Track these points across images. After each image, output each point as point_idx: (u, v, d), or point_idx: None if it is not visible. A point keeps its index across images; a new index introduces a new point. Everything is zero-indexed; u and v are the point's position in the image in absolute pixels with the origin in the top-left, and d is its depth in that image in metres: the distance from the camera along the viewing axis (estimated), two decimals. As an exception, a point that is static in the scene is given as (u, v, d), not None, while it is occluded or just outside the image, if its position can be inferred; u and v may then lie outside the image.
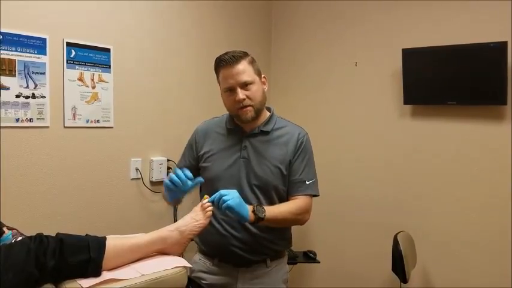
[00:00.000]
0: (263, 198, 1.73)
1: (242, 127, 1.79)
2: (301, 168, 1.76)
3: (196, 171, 1.86)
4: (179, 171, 1.62)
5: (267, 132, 1.78)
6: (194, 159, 1.87)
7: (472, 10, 2.40)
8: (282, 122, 1.84)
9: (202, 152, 1.83)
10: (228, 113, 1.83)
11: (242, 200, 1.57)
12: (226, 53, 1.72)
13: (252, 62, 1.74)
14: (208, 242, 1.81)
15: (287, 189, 1.77)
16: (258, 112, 1.74)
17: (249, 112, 1.71)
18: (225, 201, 1.51)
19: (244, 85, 1.69)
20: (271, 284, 1.79)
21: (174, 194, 1.69)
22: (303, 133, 1.81)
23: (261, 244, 1.74)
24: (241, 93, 1.68)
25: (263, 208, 1.61)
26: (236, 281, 1.77)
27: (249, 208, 1.57)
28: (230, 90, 1.71)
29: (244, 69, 1.69)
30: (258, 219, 1.57)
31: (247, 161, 1.75)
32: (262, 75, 1.79)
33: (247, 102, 1.70)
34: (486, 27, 2.34)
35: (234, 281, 1.78)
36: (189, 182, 1.61)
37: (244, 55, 1.72)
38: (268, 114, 1.83)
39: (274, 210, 1.65)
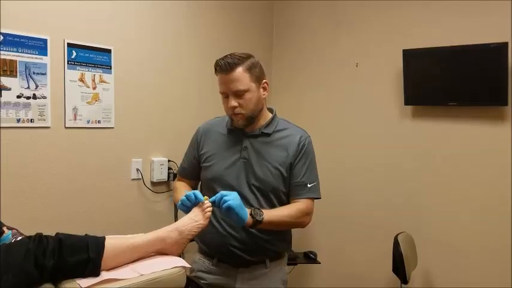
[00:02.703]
0: (262, 199, 1.73)
1: (243, 128, 1.79)
2: (303, 171, 1.75)
3: (198, 170, 1.87)
4: (190, 194, 1.56)
5: (268, 134, 1.77)
6: (195, 159, 1.88)
7: (473, 11, 2.39)
8: (284, 124, 1.83)
9: (203, 152, 1.84)
10: None
11: (242, 202, 1.56)
12: (224, 57, 1.67)
13: (251, 68, 1.67)
14: (207, 241, 1.81)
15: (288, 192, 1.76)
16: (249, 120, 1.72)
17: (240, 120, 1.71)
18: (225, 201, 1.51)
19: (237, 93, 1.67)
20: (270, 285, 1.79)
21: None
22: (305, 136, 1.80)
23: (260, 245, 1.74)
24: (233, 101, 1.67)
25: (261, 211, 1.60)
26: (235, 281, 1.77)
27: (247, 211, 1.57)
28: (224, 95, 1.71)
29: (238, 78, 1.65)
30: (256, 223, 1.57)
31: (248, 161, 1.74)
32: (264, 81, 1.74)
33: (238, 110, 1.68)
34: (487, 28, 2.33)
35: (232, 281, 1.77)
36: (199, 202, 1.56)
37: (241, 61, 1.66)
38: (270, 116, 1.82)
39: (273, 214, 1.64)
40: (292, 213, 1.70)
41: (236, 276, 1.77)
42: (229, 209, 1.51)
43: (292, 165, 1.74)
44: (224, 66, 1.65)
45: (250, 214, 1.56)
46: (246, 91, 1.67)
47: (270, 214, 1.62)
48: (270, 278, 1.80)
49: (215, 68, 1.71)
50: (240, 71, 1.65)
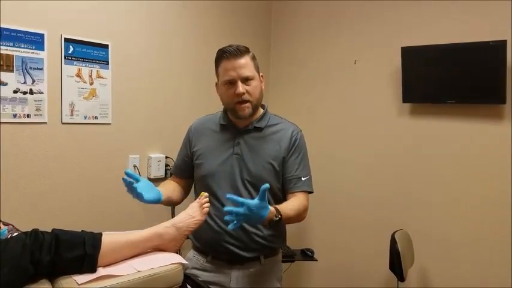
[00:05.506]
0: (256, 194, 1.69)
1: (235, 123, 1.79)
2: (296, 165, 1.75)
3: (192, 168, 1.87)
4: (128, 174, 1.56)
5: (260, 129, 1.77)
6: (188, 157, 1.87)
7: (472, 9, 2.39)
8: (275, 119, 1.83)
9: (195, 149, 1.83)
10: (221, 110, 1.83)
11: (254, 215, 1.46)
12: (230, 45, 1.70)
13: (254, 58, 1.74)
14: (201, 238, 1.79)
15: (283, 186, 1.76)
16: (255, 109, 1.74)
17: (247, 108, 1.70)
18: (239, 220, 1.44)
19: (245, 80, 1.68)
20: (265, 282, 1.78)
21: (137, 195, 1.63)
22: (296, 130, 1.81)
23: (255, 241, 1.73)
24: (241, 87, 1.67)
25: (279, 213, 1.54)
26: (230, 279, 1.76)
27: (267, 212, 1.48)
28: (230, 83, 1.69)
29: (246, 64, 1.69)
30: (273, 222, 1.52)
31: (240, 157, 1.74)
32: (261, 74, 1.78)
33: (247, 97, 1.69)
34: (486, 25, 2.33)
35: (227, 279, 1.76)
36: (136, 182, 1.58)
37: (247, 50, 1.72)
38: (261, 111, 1.82)
39: (284, 210, 1.59)
40: (299, 207, 1.67)
41: (231, 274, 1.76)
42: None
43: (285, 160, 1.74)
44: (234, 52, 1.68)
45: (271, 219, 1.49)
46: (252, 78, 1.71)
47: (283, 211, 1.56)
48: (265, 275, 1.79)
49: (221, 56, 1.71)
50: (247, 57, 1.71)
